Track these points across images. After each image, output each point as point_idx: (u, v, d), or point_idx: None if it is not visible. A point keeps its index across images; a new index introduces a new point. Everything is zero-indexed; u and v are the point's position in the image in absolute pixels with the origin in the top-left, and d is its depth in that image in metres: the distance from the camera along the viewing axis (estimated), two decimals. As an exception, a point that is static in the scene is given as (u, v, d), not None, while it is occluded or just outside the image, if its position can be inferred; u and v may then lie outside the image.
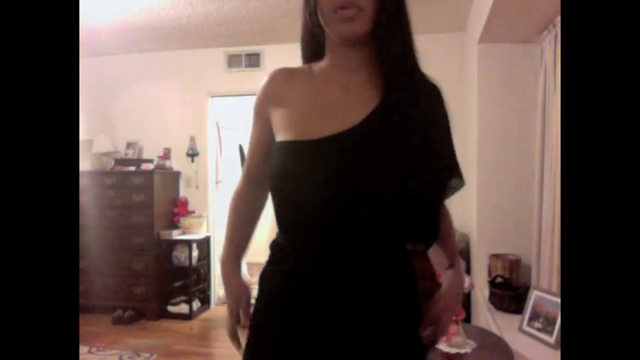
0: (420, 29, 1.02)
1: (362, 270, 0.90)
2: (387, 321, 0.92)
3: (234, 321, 1.06)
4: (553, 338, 1.86)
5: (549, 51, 2.26)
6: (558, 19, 2.15)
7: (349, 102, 0.94)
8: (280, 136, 0.96)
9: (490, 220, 2.91)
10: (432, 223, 0.96)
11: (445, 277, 1.03)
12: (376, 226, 0.89)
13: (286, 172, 0.90)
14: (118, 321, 4.06)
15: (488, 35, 2.68)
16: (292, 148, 0.91)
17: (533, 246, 2.45)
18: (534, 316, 2.02)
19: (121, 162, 4.41)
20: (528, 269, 2.61)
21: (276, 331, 0.95)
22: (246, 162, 1.13)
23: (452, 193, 1.01)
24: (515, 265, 2.65)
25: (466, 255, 3.37)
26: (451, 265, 1.04)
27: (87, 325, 3.90)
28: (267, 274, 0.99)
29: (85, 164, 4.34)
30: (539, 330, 1.96)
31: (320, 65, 1.01)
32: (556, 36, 2.18)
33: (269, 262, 1.00)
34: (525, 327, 2.04)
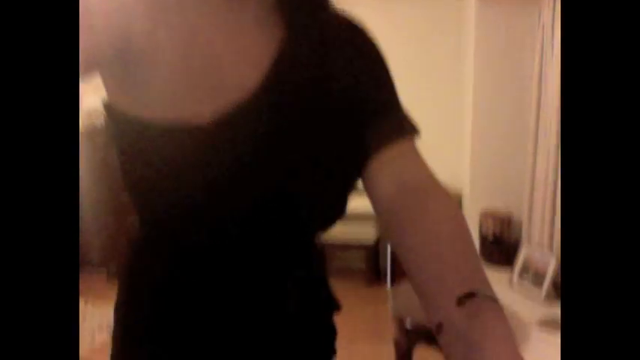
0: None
1: (262, 304, 0.70)
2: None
3: None
4: (543, 293, 1.90)
5: (548, 11, 2.22)
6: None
7: (236, 58, 0.61)
8: (132, 109, 0.60)
9: (483, 176, 2.92)
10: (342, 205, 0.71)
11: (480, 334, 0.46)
12: (278, 229, 0.67)
13: (157, 177, 0.61)
14: (112, 275, 4.10)
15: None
16: (159, 136, 0.58)
17: (525, 201, 2.47)
18: (524, 271, 2.06)
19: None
20: (520, 225, 2.63)
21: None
22: None
23: (392, 139, 0.67)
24: (506, 220, 2.68)
25: (458, 210, 3.39)
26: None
27: (82, 281, 3.93)
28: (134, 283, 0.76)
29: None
30: (528, 283, 2.00)
31: None
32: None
33: (132, 264, 0.77)
34: (515, 281, 2.08)
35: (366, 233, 3.74)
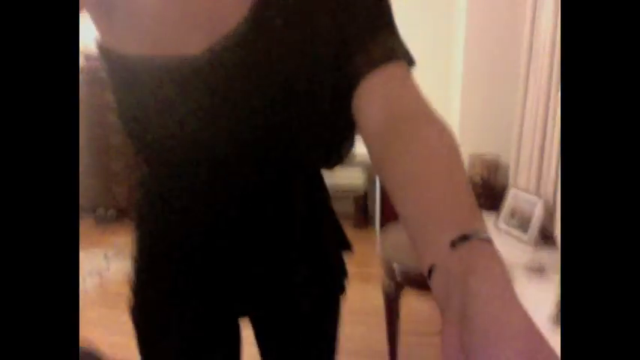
0: None
1: (271, 211, 0.75)
2: (306, 257, 0.82)
3: None
4: (528, 236, 1.93)
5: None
6: None
7: None
8: (123, 47, 0.61)
9: (472, 119, 2.91)
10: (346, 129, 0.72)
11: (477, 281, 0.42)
12: (272, 157, 0.70)
13: (148, 106, 0.63)
14: (101, 220, 4.10)
15: None
16: (142, 69, 0.60)
17: (512, 145, 2.48)
18: (510, 215, 2.09)
19: (91, 57, 4.18)
20: (507, 169, 2.65)
21: (168, 284, 0.81)
22: None
23: (384, 60, 0.63)
24: (493, 164, 2.70)
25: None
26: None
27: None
28: (143, 222, 0.83)
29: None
30: (514, 227, 2.03)
31: None
32: None
33: (141, 205, 0.82)
34: (501, 224, 2.11)
35: (356, 178, 3.77)
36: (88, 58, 4.17)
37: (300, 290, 0.84)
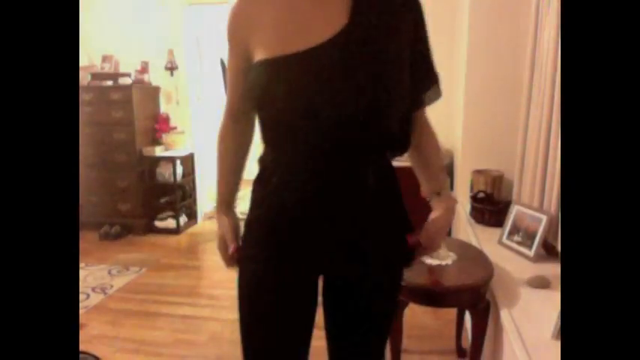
0: None
1: (348, 180, 0.97)
2: (376, 228, 1.01)
3: (222, 243, 1.13)
4: (532, 251, 1.92)
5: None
6: None
7: (322, 15, 0.93)
8: (258, 56, 0.96)
9: (475, 135, 2.91)
10: (406, 132, 1.05)
11: (437, 204, 1.11)
12: (357, 136, 0.94)
13: (268, 88, 0.92)
14: (106, 236, 4.11)
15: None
16: (271, 64, 0.92)
17: (516, 162, 2.48)
18: (514, 230, 2.08)
19: (97, 76, 4.24)
20: (510, 185, 2.65)
21: (265, 241, 1.02)
22: (227, 98, 1.11)
23: (428, 103, 1.08)
24: (497, 180, 2.70)
25: (450, 170, 3.41)
26: (438, 193, 1.12)
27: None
28: (256, 188, 1.04)
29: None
30: (518, 243, 2.03)
31: None
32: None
33: (258, 177, 1.04)
34: (505, 240, 2.11)
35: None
36: (95, 77, 4.22)
37: (368, 258, 1.02)
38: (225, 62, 1.52)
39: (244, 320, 1.08)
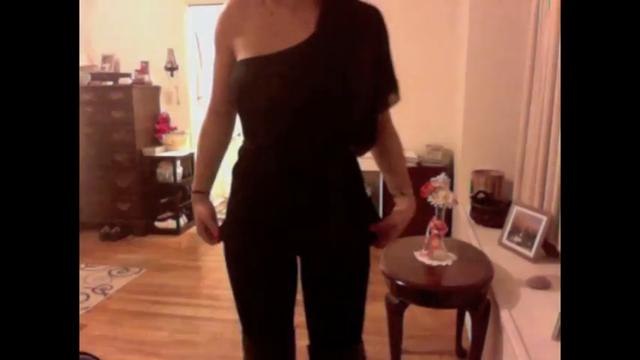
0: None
1: (310, 168, 1.09)
2: (340, 210, 1.13)
3: (202, 228, 1.29)
4: (532, 252, 1.92)
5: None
6: None
7: (297, 22, 1.08)
8: (240, 57, 1.11)
9: (475, 136, 2.91)
10: (371, 130, 1.17)
11: (401, 201, 1.26)
12: (317, 125, 1.06)
13: (246, 83, 1.06)
14: (106, 237, 4.11)
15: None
16: (250, 63, 1.07)
17: (516, 162, 2.48)
18: (514, 231, 2.08)
19: (97, 76, 4.24)
20: (510, 185, 2.65)
21: (244, 209, 1.17)
22: (212, 95, 1.25)
23: (388, 107, 1.19)
24: (497, 181, 2.70)
25: (450, 171, 3.40)
26: (402, 192, 1.26)
27: (75, 241, 3.94)
28: (236, 169, 1.19)
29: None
30: (518, 244, 2.03)
31: None
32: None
33: (237, 161, 1.19)
34: (505, 241, 2.10)
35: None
36: (95, 77, 4.22)
37: (338, 237, 1.14)
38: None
39: (234, 281, 1.26)
